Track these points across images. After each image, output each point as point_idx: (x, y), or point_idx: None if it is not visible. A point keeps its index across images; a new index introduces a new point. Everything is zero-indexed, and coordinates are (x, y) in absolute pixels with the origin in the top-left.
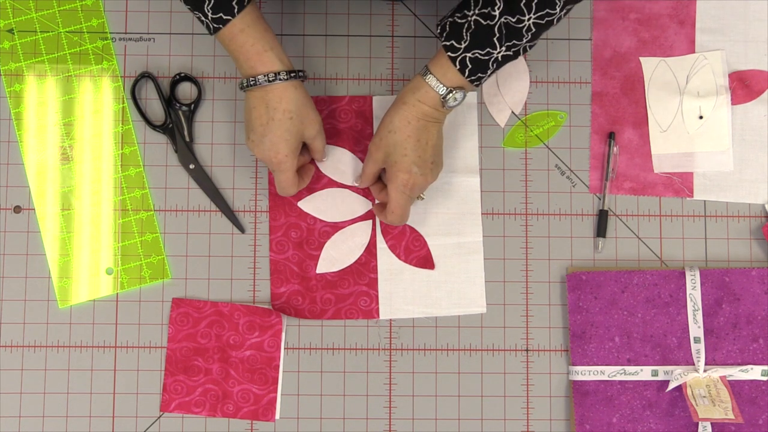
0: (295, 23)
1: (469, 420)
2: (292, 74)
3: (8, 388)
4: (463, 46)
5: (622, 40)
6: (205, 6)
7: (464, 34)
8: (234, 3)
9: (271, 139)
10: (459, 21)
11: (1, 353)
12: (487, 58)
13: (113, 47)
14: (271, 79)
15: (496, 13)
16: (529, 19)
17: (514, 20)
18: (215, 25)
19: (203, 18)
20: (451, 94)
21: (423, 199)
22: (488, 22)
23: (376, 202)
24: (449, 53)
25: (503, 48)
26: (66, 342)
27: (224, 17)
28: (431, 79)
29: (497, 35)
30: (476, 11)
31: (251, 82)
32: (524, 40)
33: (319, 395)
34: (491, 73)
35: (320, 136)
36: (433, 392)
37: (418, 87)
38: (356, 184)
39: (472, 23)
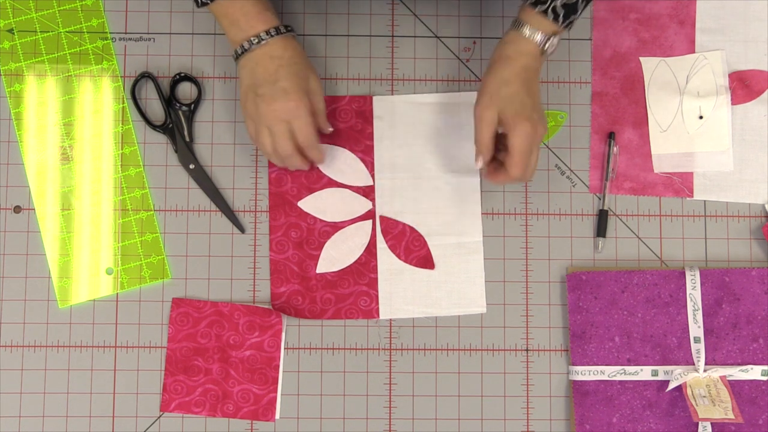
0: (295, 23)
1: (469, 420)
2: (288, 28)
3: (8, 388)
4: None
5: (622, 40)
6: None
7: None
8: None
9: (282, 85)
10: None
11: (1, 353)
12: (575, 0)
13: (113, 47)
14: (272, 33)
15: None
16: None
17: None
18: None
19: None
20: (549, 41)
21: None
22: None
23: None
24: (540, 6)
25: None
26: (66, 342)
27: None
28: (527, 30)
29: None
30: None
31: (254, 41)
32: None
33: (319, 395)
34: (581, 11)
35: (321, 94)
36: (433, 392)
37: (516, 40)
38: (478, 166)
39: None
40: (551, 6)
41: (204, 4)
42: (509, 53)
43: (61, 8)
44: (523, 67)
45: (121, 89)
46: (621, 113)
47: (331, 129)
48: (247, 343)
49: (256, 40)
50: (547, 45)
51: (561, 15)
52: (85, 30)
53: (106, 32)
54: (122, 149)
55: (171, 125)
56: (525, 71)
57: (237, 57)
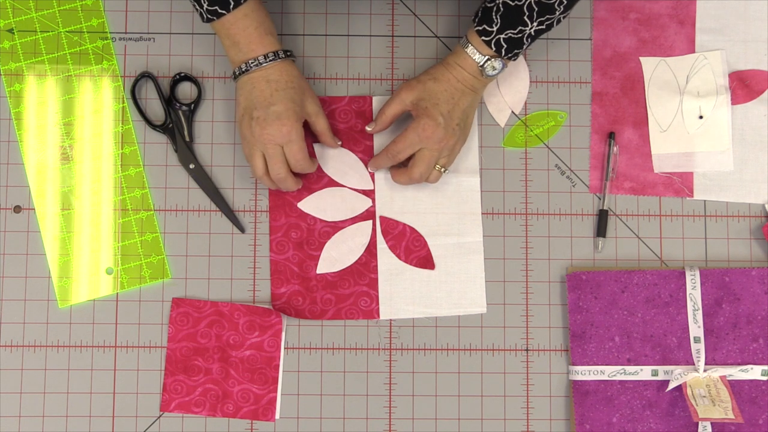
0: (295, 23)
1: (469, 420)
2: (288, 53)
3: (8, 388)
4: (495, 29)
5: (622, 40)
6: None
7: (494, 17)
8: None
9: (276, 109)
10: (488, 5)
11: (1, 353)
12: (520, 35)
13: (113, 47)
14: (271, 58)
15: None
16: None
17: None
18: (221, 11)
19: (200, 5)
20: (488, 62)
21: (444, 171)
22: (516, 2)
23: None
24: (483, 37)
25: (535, 23)
26: (66, 342)
27: (219, 11)
28: (470, 48)
29: (527, 13)
30: None
31: (252, 64)
32: (557, 13)
33: (319, 395)
34: (528, 46)
35: (322, 115)
36: (433, 392)
37: (459, 52)
38: (368, 129)
39: (500, 6)
40: (494, 39)
41: (209, 20)
42: (449, 61)
43: (61, 8)
44: (458, 77)
45: (121, 89)
46: (621, 113)
47: (339, 143)
48: (247, 343)
49: (255, 63)
50: (486, 65)
51: (504, 48)
52: (85, 30)
53: (106, 32)
54: (122, 149)
55: (171, 125)
56: (458, 81)
57: (235, 77)
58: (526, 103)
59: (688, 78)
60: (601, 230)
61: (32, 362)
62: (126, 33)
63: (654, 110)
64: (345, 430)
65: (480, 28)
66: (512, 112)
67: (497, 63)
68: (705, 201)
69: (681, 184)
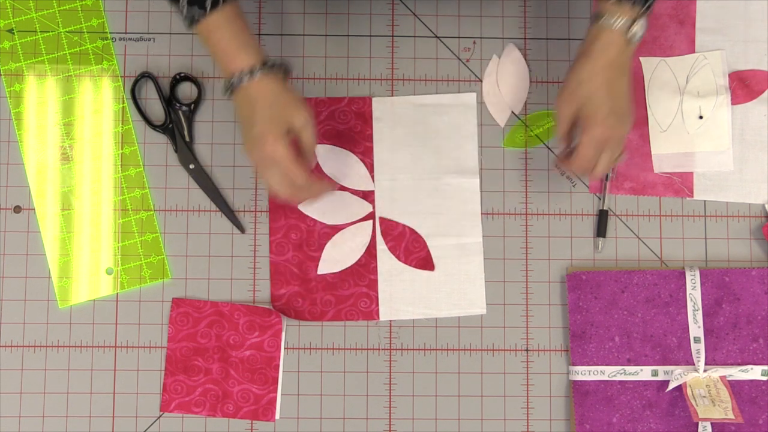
0: (295, 23)
1: (469, 420)
2: (269, 66)
3: (8, 388)
4: None
5: None
6: (180, 1)
7: None
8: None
9: (257, 130)
10: None
11: (1, 353)
12: None
13: (113, 47)
14: (247, 73)
15: None
16: None
17: None
18: (190, 20)
19: (180, 12)
20: (632, 27)
21: (614, 175)
22: None
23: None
24: None
25: None
26: (66, 342)
27: (198, 11)
28: (605, 21)
29: None
30: None
31: (235, 82)
32: None
33: (319, 395)
34: None
35: (307, 129)
36: (433, 392)
37: (596, 35)
38: (559, 158)
39: None
40: None
41: (192, 24)
42: (590, 49)
43: (61, 8)
44: (604, 65)
45: (121, 89)
46: None
47: (313, 165)
48: (247, 343)
49: (237, 81)
50: (630, 31)
51: None
52: (85, 30)
53: (106, 32)
54: (122, 149)
55: (171, 125)
56: (607, 69)
57: (226, 93)
58: (526, 103)
59: (688, 78)
60: (601, 230)
61: (32, 362)
62: (126, 33)
63: (654, 110)
64: (345, 430)
65: None
66: (512, 112)
67: (642, 21)
68: (705, 201)
69: (681, 184)
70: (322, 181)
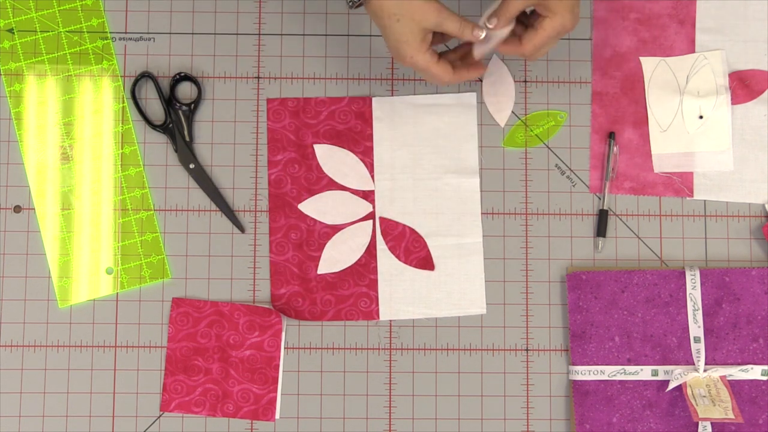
0: (295, 23)
1: (469, 420)
2: None
3: (8, 388)
4: None
5: (622, 40)
6: None
7: None
8: None
9: (392, 45)
10: None
11: (1, 353)
12: None
13: (113, 47)
14: None
15: None
16: None
17: None
18: None
19: None
20: None
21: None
22: None
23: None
24: None
25: None
26: (66, 342)
27: None
28: None
29: None
30: None
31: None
32: None
33: (319, 395)
34: None
35: (447, 21)
36: (433, 392)
37: None
38: (489, 26)
39: None
40: None
41: None
42: None
43: (61, 8)
44: None
45: (121, 89)
46: (621, 113)
47: (481, 34)
48: (247, 343)
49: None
50: None
51: None
52: (85, 30)
53: (106, 32)
54: (122, 149)
55: (171, 125)
56: None
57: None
58: (526, 103)
59: (688, 78)
60: (601, 230)
61: (32, 362)
62: (126, 33)
63: (654, 110)
64: (345, 430)
65: None
66: (512, 112)
67: None
68: (705, 201)
69: (681, 184)
70: (472, 68)
